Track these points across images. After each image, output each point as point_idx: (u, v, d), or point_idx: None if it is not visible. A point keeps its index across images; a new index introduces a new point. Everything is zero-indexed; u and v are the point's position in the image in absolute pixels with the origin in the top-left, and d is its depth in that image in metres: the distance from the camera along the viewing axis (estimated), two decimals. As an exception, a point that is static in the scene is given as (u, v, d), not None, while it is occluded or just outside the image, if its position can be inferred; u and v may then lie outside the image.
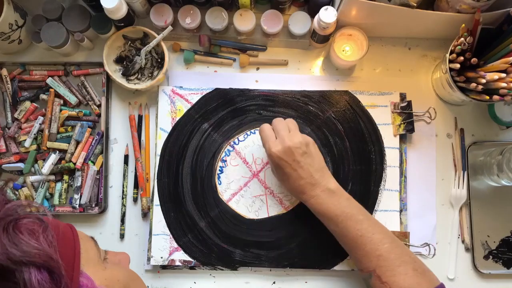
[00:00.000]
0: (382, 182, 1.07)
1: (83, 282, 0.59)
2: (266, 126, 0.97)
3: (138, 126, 1.10)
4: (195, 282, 1.06)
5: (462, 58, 0.97)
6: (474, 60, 0.95)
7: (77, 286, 0.57)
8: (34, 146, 1.08)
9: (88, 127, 1.09)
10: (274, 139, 0.94)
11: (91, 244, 0.66)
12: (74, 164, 1.07)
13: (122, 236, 1.08)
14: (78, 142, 1.08)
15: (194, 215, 1.06)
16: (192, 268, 1.05)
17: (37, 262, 0.53)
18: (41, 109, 1.09)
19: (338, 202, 0.92)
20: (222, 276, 1.06)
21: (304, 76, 1.12)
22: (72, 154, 1.07)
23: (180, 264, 1.04)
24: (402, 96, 1.10)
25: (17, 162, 1.07)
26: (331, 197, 0.92)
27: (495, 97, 0.95)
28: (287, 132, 0.94)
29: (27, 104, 1.09)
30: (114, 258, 0.73)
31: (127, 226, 1.08)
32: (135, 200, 1.09)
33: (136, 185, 1.09)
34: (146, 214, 1.08)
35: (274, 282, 1.06)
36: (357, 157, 1.08)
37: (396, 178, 1.07)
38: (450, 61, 0.99)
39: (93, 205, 1.07)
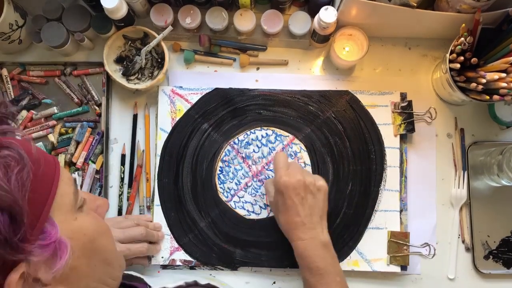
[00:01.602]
0: (382, 182, 1.07)
1: (48, 228, 0.54)
2: (282, 154, 0.96)
3: (134, 127, 1.11)
4: (195, 282, 1.06)
5: (462, 58, 0.97)
6: (474, 60, 0.95)
7: (40, 231, 0.53)
8: None
9: (89, 127, 1.09)
10: (287, 168, 0.93)
11: (70, 189, 0.60)
12: (75, 164, 1.07)
13: (122, 236, 1.08)
14: (78, 142, 1.08)
15: (194, 215, 1.06)
16: (192, 268, 1.05)
17: (1, 204, 0.49)
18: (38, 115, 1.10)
19: (324, 256, 0.90)
20: (222, 276, 1.06)
21: (304, 75, 1.12)
22: (72, 154, 1.08)
23: (180, 264, 1.04)
24: (403, 96, 1.10)
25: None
26: (319, 249, 0.90)
27: (495, 97, 0.95)
28: (300, 169, 0.94)
29: (23, 113, 1.09)
30: (92, 204, 0.68)
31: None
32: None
33: (130, 185, 1.09)
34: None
35: (274, 282, 1.06)
36: (357, 157, 1.07)
37: (397, 178, 1.07)
38: (450, 61, 0.99)
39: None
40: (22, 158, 0.53)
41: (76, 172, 1.07)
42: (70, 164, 1.08)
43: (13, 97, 1.10)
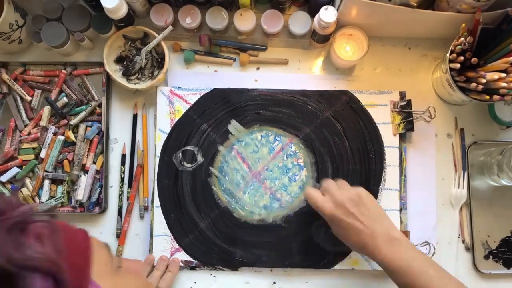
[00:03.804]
0: (381, 181, 1.07)
1: None
2: (311, 190, 0.95)
3: (134, 127, 1.11)
4: (195, 282, 1.06)
5: (462, 58, 0.96)
6: (474, 60, 0.95)
7: None
8: (33, 156, 1.09)
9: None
10: (323, 197, 0.92)
11: (104, 252, 0.63)
12: (84, 165, 1.08)
13: (122, 235, 1.08)
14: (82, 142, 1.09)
15: (194, 216, 1.06)
16: (193, 268, 1.06)
17: (41, 268, 0.48)
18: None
19: (404, 252, 0.86)
20: (223, 276, 1.06)
21: (304, 75, 1.12)
22: (82, 155, 1.08)
23: (181, 264, 1.05)
24: (402, 95, 1.09)
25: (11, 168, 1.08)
26: (394, 247, 0.86)
27: (496, 97, 0.95)
28: (336, 188, 0.92)
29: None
30: (127, 265, 0.70)
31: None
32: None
33: (130, 185, 1.09)
34: (143, 216, 1.09)
35: (274, 282, 1.06)
36: (356, 156, 1.07)
37: (396, 177, 1.07)
38: (450, 61, 0.99)
39: (91, 202, 1.08)
40: (52, 225, 0.53)
41: (82, 174, 1.08)
42: (82, 166, 1.09)
43: (29, 98, 1.10)
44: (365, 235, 0.87)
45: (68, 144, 1.09)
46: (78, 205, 1.07)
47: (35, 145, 1.09)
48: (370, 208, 0.90)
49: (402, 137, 1.09)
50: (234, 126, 1.08)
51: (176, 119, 1.09)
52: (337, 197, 0.90)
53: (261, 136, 1.08)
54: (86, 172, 1.08)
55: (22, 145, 1.09)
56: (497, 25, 1.00)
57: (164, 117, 1.09)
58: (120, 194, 1.08)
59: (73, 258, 0.54)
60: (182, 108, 1.09)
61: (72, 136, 1.08)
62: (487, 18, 0.98)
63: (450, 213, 1.09)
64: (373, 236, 0.87)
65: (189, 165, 1.07)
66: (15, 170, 1.07)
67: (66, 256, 0.52)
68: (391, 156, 1.07)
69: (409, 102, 1.07)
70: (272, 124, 1.08)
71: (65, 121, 1.09)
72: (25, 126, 1.09)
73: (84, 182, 1.07)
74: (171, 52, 1.12)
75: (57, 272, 0.50)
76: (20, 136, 1.09)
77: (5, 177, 1.07)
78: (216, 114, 1.09)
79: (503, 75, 0.93)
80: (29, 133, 1.09)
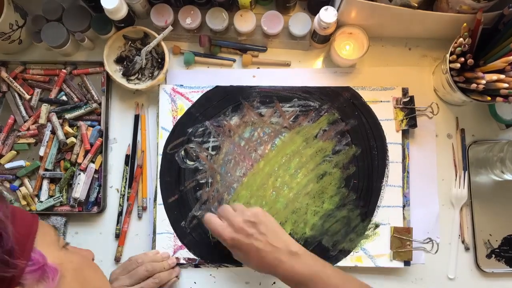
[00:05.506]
0: (384, 178, 1.06)
1: (35, 257, 0.61)
2: (211, 216, 0.92)
3: (136, 127, 1.11)
4: (195, 282, 1.05)
5: (462, 59, 0.97)
6: (470, 61, 0.95)
7: (27, 259, 0.60)
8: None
9: (92, 126, 1.09)
10: (221, 223, 0.91)
11: (51, 230, 0.69)
12: (79, 164, 1.07)
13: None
14: (82, 142, 1.08)
15: (197, 214, 1.05)
16: (196, 266, 1.05)
17: None
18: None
19: (307, 264, 0.87)
20: (222, 276, 1.05)
21: (305, 69, 1.13)
22: (78, 155, 1.07)
23: (184, 262, 1.04)
24: (405, 91, 1.10)
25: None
26: (296, 259, 0.87)
27: (499, 98, 0.95)
28: (232, 212, 0.91)
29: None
30: (76, 249, 0.74)
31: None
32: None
33: (130, 185, 1.09)
34: (141, 217, 1.08)
35: (274, 283, 1.06)
36: (359, 153, 1.07)
37: (399, 173, 1.07)
38: (450, 62, 0.99)
39: (89, 201, 1.06)
40: (2, 198, 0.63)
41: (81, 173, 1.07)
42: (75, 164, 1.08)
43: (28, 97, 1.09)
44: (266, 252, 0.87)
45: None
46: (76, 205, 1.05)
47: (31, 140, 1.08)
48: (268, 225, 0.90)
49: (405, 134, 1.09)
50: (236, 123, 1.08)
51: (178, 116, 1.09)
52: (235, 221, 0.89)
53: (263, 133, 1.08)
54: (81, 170, 1.07)
55: (18, 139, 1.08)
56: (494, 25, 1.01)
57: (166, 115, 1.09)
58: (123, 195, 1.08)
59: (19, 225, 0.62)
60: (184, 105, 1.09)
61: (71, 131, 1.07)
62: (484, 19, 0.99)
63: (450, 214, 1.09)
64: (274, 251, 0.87)
65: (192, 163, 1.07)
66: (20, 162, 1.07)
67: (12, 220, 0.60)
68: (393, 152, 1.08)
69: (412, 98, 1.08)
70: (274, 121, 1.08)
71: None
72: (25, 121, 1.09)
73: (83, 180, 1.06)
74: (171, 54, 1.12)
75: (2, 228, 0.58)
76: (19, 131, 1.08)
77: (8, 165, 1.07)
78: (218, 111, 1.09)
79: (502, 76, 0.94)
80: (28, 129, 1.08)
